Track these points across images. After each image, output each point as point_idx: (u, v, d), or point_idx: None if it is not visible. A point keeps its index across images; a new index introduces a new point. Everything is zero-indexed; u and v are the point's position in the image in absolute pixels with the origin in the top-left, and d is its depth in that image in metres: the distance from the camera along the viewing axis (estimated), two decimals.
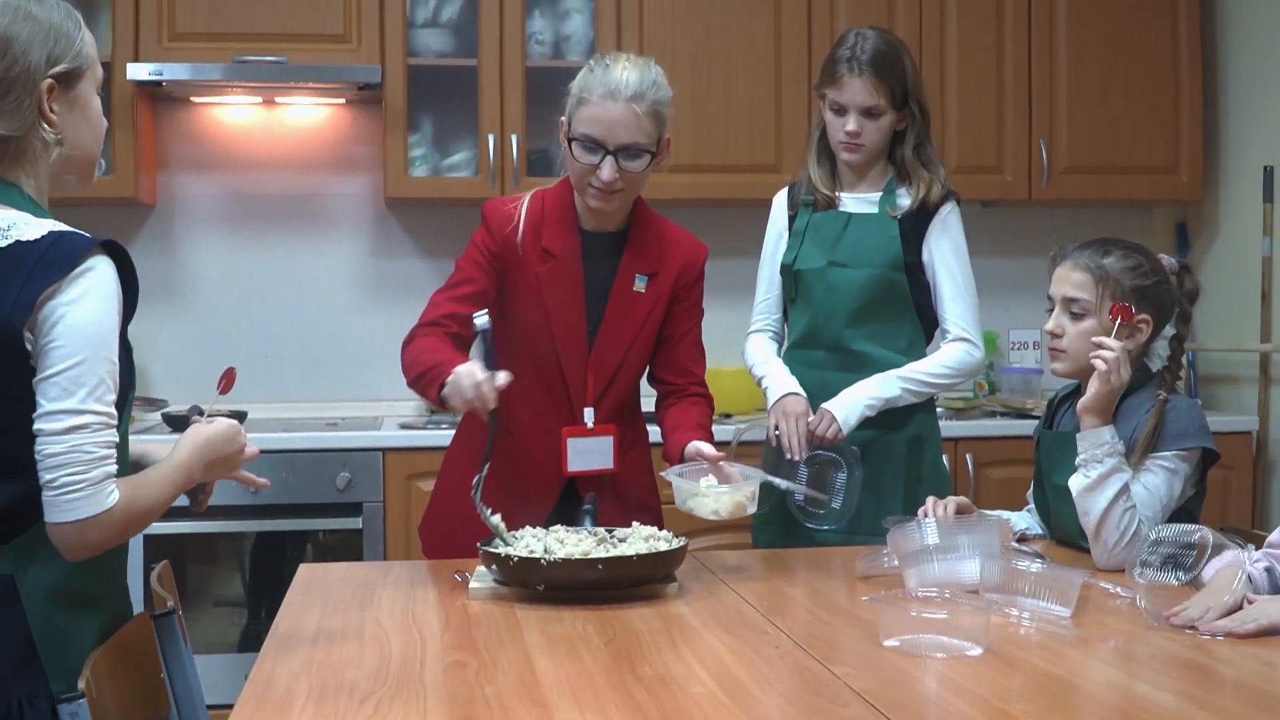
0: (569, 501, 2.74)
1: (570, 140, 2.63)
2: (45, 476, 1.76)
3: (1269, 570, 2.20)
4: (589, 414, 2.72)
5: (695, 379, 2.86)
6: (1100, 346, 2.50)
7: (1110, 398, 2.52)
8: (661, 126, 2.64)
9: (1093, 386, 2.51)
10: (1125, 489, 2.47)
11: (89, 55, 1.92)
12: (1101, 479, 2.48)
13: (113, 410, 1.81)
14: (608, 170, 2.60)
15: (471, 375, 2.41)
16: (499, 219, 2.73)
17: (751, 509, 2.58)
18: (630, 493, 2.80)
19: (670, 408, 2.82)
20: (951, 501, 2.64)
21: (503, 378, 2.40)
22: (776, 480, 2.74)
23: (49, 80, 1.85)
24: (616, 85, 2.58)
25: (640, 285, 2.74)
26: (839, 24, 4.35)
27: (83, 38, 1.91)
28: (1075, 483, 2.53)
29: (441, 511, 2.88)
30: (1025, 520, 2.80)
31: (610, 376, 2.75)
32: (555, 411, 2.74)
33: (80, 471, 1.76)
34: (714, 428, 2.74)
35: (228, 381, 2.18)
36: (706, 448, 2.61)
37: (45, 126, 1.86)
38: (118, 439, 1.82)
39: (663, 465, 2.69)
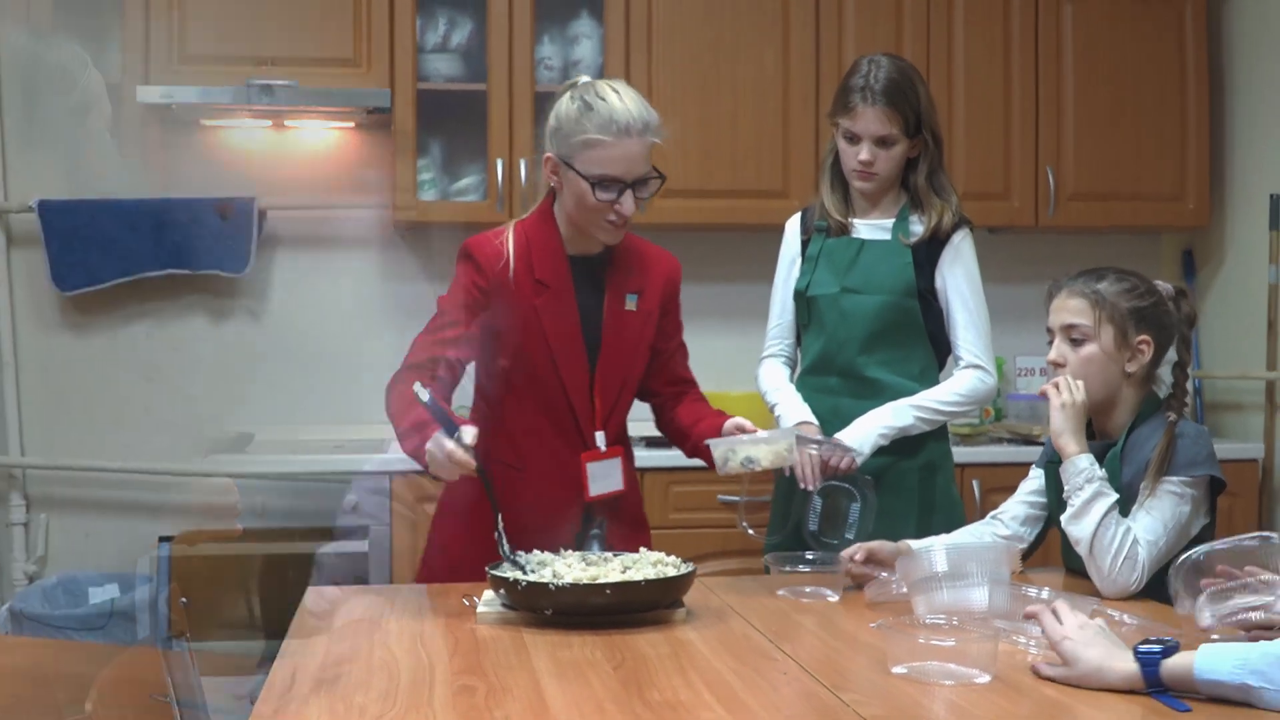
0: (587, 527, 2.74)
1: (591, 184, 2.59)
2: None
3: None
4: (600, 437, 2.72)
5: (693, 384, 2.90)
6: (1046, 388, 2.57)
7: (1078, 418, 2.54)
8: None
9: (1055, 414, 2.54)
10: (1112, 509, 2.46)
11: None
12: (1085, 505, 2.48)
13: None
14: (629, 204, 2.61)
15: (441, 448, 2.38)
16: (488, 256, 2.69)
17: (791, 460, 2.62)
18: (629, 510, 2.83)
19: (678, 408, 2.85)
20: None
21: (469, 435, 2.37)
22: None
23: None
24: (627, 122, 2.57)
25: (631, 304, 2.76)
26: (847, 50, 4.36)
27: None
28: (1064, 516, 2.53)
29: (443, 562, 2.83)
30: (969, 537, 2.77)
31: (615, 397, 2.75)
32: (563, 440, 2.73)
33: None
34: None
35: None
36: (746, 422, 2.65)
37: None
38: None
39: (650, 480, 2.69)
